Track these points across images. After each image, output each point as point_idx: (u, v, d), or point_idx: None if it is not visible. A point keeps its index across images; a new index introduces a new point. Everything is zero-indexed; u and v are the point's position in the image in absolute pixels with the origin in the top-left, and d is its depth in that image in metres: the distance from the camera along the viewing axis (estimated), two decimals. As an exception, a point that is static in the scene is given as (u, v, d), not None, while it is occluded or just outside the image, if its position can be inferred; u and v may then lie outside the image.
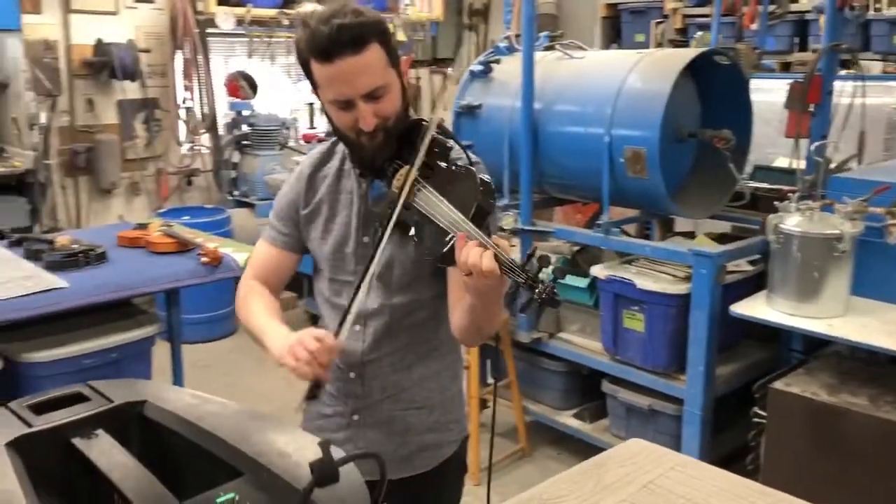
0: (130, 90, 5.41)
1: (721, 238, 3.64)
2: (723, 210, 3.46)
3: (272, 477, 0.72)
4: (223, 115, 5.91)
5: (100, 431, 0.77)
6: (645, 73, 3.16)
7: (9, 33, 4.46)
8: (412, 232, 1.45)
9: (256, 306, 1.66)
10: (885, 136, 4.20)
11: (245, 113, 5.84)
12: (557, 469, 3.49)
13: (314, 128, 6.55)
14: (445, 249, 1.35)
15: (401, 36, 6.35)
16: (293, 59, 5.80)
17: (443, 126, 1.53)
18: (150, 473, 0.71)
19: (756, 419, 2.74)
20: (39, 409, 0.80)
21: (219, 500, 0.69)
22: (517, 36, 3.70)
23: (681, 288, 3.04)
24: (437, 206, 1.40)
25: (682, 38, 5.62)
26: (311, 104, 6.55)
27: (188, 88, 5.59)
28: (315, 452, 0.77)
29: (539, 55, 3.55)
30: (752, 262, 3.28)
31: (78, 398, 0.82)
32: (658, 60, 3.22)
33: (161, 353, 3.27)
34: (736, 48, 3.76)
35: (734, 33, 4.27)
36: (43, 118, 4.61)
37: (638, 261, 3.33)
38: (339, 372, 1.66)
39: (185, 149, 5.78)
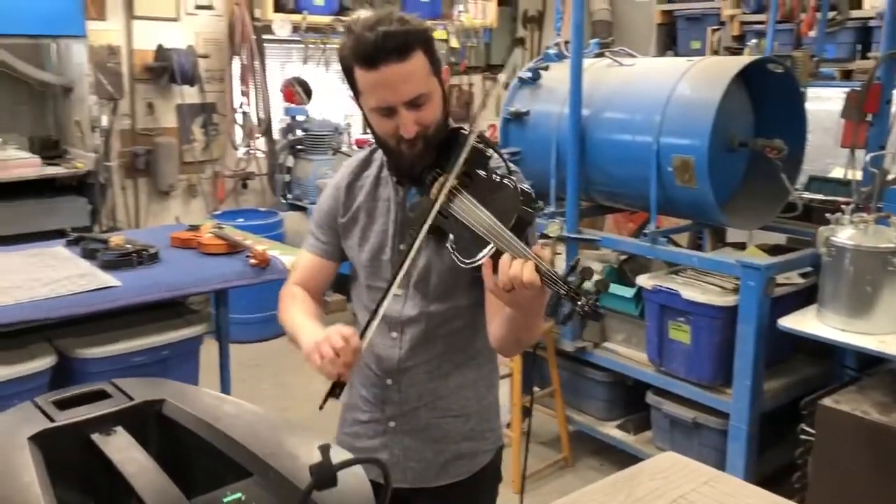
0: (189, 94, 5.55)
1: (774, 250, 3.56)
2: (775, 221, 3.38)
3: (279, 478, 0.74)
4: (278, 120, 6.02)
5: (118, 428, 0.80)
6: (695, 80, 3.11)
7: (74, 39, 4.61)
8: (449, 239, 1.45)
9: (295, 308, 1.69)
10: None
11: (299, 118, 5.94)
12: (599, 480, 3.48)
13: (367, 133, 6.61)
14: (484, 257, 1.35)
15: (454, 42, 6.38)
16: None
17: (483, 136, 1.53)
18: (162, 471, 0.73)
19: (803, 436, 2.67)
20: (63, 404, 0.83)
21: (226, 499, 0.71)
22: (566, 43, 3.68)
23: (728, 300, 2.99)
24: (475, 214, 1.40)
25: (738, 46, 5.51)
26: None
27: (245, 93, 5.71)
28: (301, 458, 0.79)
29: (588, 62, 3.53)
30: (803, 275, 3.19)
31: (101, 395, 0.85)
32: (708, 68, 3.17)
33: (211, 351, 3.34)
34: (792, 56, 3.68)
35: (792, 40, 4.18)
36: (104, 121, 4.76)
37: (685, 271, 3.28)
38: (375, 379, 1.67)
39: (241, 152, 5.90)
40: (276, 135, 5.98)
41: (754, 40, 3.77)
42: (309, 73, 6.04)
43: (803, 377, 3.17)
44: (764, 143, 3.08)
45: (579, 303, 1.26)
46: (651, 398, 3.37)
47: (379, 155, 1.68)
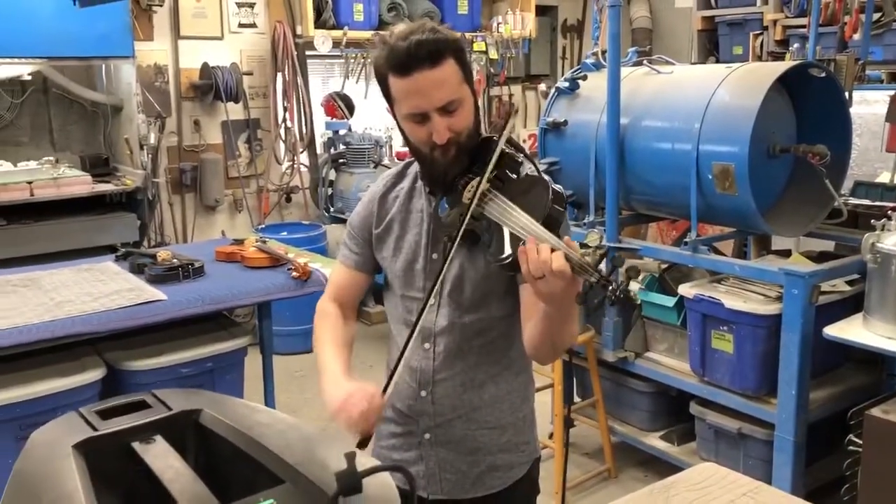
0: (234, 111, 5.67)
1: (820, 257, 3.50)
2: (820, 228, 3.33)
3: (309, 485, 0.76)
4: (320, 135, 6.11)
5: (157, 437, 0.83)
6: (734, 87, 3.08)
7: (123, 60, 4.75)
8: (483, 241, 1.47)
9: (325, 337, 1.71)
10: None
11: (341, 132, 6.01)
12: (643, 491, 3.44)
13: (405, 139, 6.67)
14: (516, 254, 1.37)
15: (493, 54, 6.41)
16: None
17: (513, 140, 1.56)
18: (198, 477, 0.76)
19: (851, 448, 2.62)
20: (105, 414, 0.86)
21: (259, 504, 0.73)
22: (604, 52, 3.68)
23: (771, 308, 2.94)
24: (508, 214, 1.43)
25: (782, 51, 5.44)
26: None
27: (287, 109, 5.81)
28: (331, 468, 0.81)
29: (626, 70, 3.52)
30: (850, 283, 3.13)
31: (141, 405, 0.89)
32: (748, 74, 3.13)
33: (255, 362, 3.40)
34: (836, 59, 3.62)
35: (835, 44, 4.12)
36: (152, 139, 4.88)
37: (727, 280, 3.24)
38: (409, 391, 1.69)
39: (284, 167, 6.00)
40: (318, 149, 6.07)
41: (796, 45, 3.72)
42: (350, 87, 6.12)
43: (851, 387, 3.10)
44: (806, 148, 3.04)
45: (610, 288, 1.27)
46: (695, 408, 3.33)
47: (413, 168, 1.71)
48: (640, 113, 3.37)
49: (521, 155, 1.55)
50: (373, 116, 6.46)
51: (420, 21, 1.53)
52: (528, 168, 1.56)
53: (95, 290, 2.90)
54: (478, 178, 1.50)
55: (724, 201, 3.08)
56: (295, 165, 5.99)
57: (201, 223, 5.73)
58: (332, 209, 6.09)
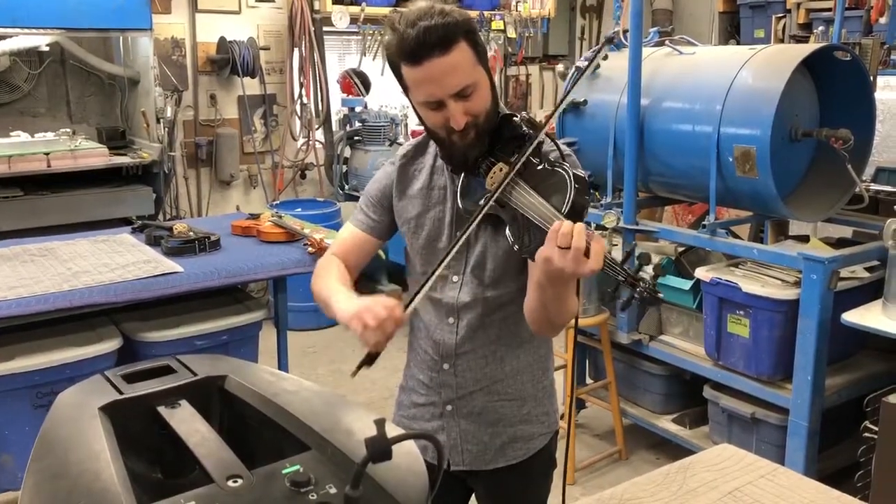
0: (250, 86, 5.65)
1: (839, 243, 3.46)
2: (840, 213, 3.29)
3: (336, 452, 0.75)
4: (336, 112, 6.09)
5: (183, 402, 0.83)
6: (757, 69, 3.04)
7: (141, 32, 4.73)
8: (507, 229, 1.46)
9: (329, 275, 1.69)
10: None
11: (357, 109, 5.99)
12: (654, 473, 3.45)
13: (421, 125, 6.64)
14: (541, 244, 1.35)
15: (511, 33, 6.36)
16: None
17: (533, 121, 1.53)
18: (224, 443, 0.76)
19: (867, 434, 2.61)
20: (130, 378, 0.86)
21: (285, 471, 0.73)
22: (625, 32, 3.64)
23: (789, 293, 2.92)
24: (531, 203, 1.41)
25: (805, 34, 5.37)
26: (421, 101, 6.66)
27: (304, 85, 5.79)
28: (356, 434, 0.80)
29: (647, 51, 3.48)
30: (869, 269, 3.10)
31: (166, 370, 0.88)
32: (771, 56, 3.09)
33: (268, 337, 3.41)
34: (861, 43, 3.57)
35: (861, 27, 4.06)
36: (169, 112, 4.88)
37: (745, 264, 3.21)
38: (432, 363, 1.70)
39: (299, 143, 5.99)
40: (333, 126, 6.05)
41: (821, 28, 3.67)
42: (367, 64, 6.09)
43: (869, 374, 3.08)
44: (829, 132, 3.00)
45: (638, 288, 1.26)
46: (708, 392, 3.33)
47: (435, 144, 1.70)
48: (661, 94, 3.34)
49: (544, 136, 1.53)
50: (389, 94, 6.44)
51: (429, 3, 1.48)
52: (549, 147, 1.54)
53: (112, 262, 2.91)
54: (499, 165, 1.49)
55: (745, 184, 3.05)
56: (310, 142, 5.98)
57: (216, 198, 5.74)
58: (346, 187, 6.08)
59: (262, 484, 0.72)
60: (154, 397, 0.83)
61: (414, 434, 0.70)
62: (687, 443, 3.42)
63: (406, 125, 6.41)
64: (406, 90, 1.54)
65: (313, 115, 5.87)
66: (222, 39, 5.44)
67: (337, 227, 5.17)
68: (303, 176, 6.11)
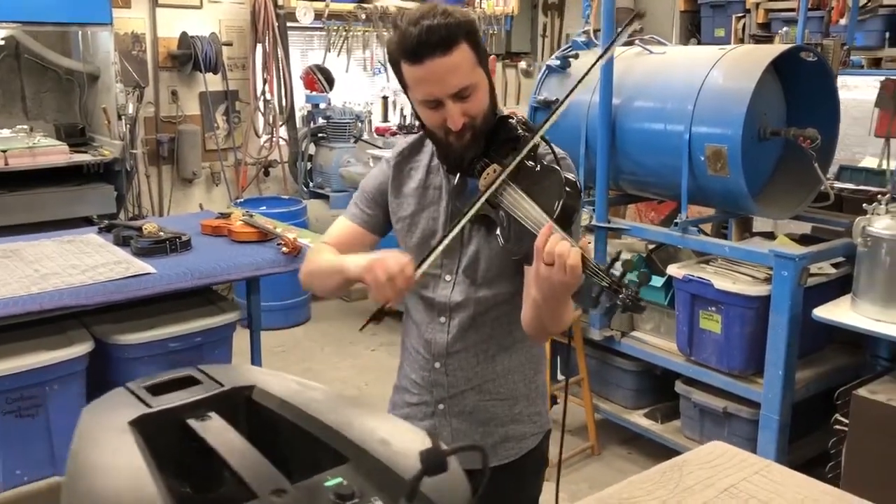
0: (212, 82, 5.56)
1: (802, 239, 3.55)
2: (806, 211, 3.37)
3: (376, 464, 0.74)
4: (299, 108, 6.03)
5: (212, 414, 0.81)
6: (728, 69, 3.09)
7: (101, 27, 4.62)
8: (498, 230, 1.47)
9: (327, 252, 1.69)
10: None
11: (321, 106, 5.94)
12: (628, 468, 3.50)
13: (387, 121, 6.63)
14: (530, 248, 1.36)
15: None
16: (369, 52, 5.84)
17: (528, 123, 1.54)
18: (262, 456, 0.74)
19: (838, 426, 2.67)
20: (155, 390, 0.84)
21: (327, 483, 0.72)
22: (596, 31, 3.67)
23: (760, 289, 2.98)
24: (522, 206, 1.42)
25: (764, 34, 5.48)
26: (385, 98, 6.64)
27: (267, 81, 5.72)
28: (413, 441, 0.79)
29: (618, 50, 3.51)
30: (835, 265, 3.18)
31: (189, 381, 0.86)
32: (742, 57, 3.15)
33: (238, 338, 3.36)
34: (822, 44, 3.66)
35: (821, 28, 4.15)
36: (130, 109, 4.77)
37: (715, 261, 3.27)
38: (424, 362, 1.70)
39: (262, 140, 5.92)
40: (297, 122, 5.99)
41: (785, 28, 3.74)
42: (330, 60, 6.05)
43: (835, 367, 3.16)
44: (797, 132, 3.07)
45: (621, 295, 1.26)
46: (680, 387, 3.38)
47: (431, 143, 1.69)
48: (633, 93, 3.37)
49: (541, 140, 1.54)
50: (352, 90, 6.40)
51: (432, 3, 1.48)
52: (544, 150, 1.55)
53: (81, 263, 2.84)
54: (493, 166, 1.49)
55: (716, 183, 3.10)
56: (274, 139, 5.91)
57: (178, 196, 5.64)
58: (311, 184, 6.04)
59: (306, 498, 0.70)
60: (183, 410, 0.81)
61: (467, 446, 0.69)
62: (659, 437, 3.47)
63: (370, 122, 6.39)
64: (405, 88, 1.54)
65: (277, 111, 5.80)
66: (184, 35, 5.34)
67: (304, 225, 5.13)
68: (266, 173, 6.04)
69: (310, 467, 0.76)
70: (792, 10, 5.23)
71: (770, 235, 3.84)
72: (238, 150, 5.83)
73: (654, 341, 3.46)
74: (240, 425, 0.82)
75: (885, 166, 3.08)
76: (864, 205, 2.70)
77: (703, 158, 3.08)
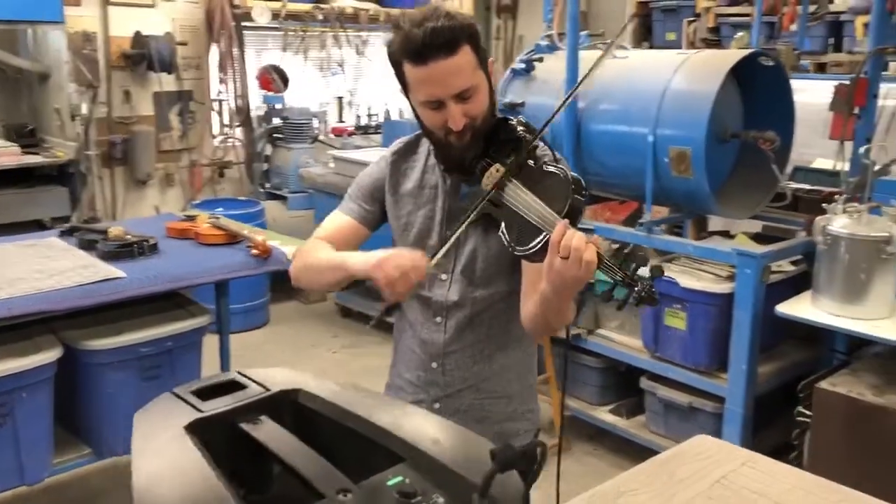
0: (165, 82, 5.46)
1: (756, 238, 3.67)
2: (764, 210, 3.48)
3: (432, 462, 0.76)
4: (255, 108, 5.97)
5: (264, 417, 0.82)
6: (691, 73, 3.18)
7: (52, 25, 4.51)
8: (501, 227, 1.49)
9: (325, 248, 1.69)
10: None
11: (278, 106, 5.90)
12: (595, 464, 3.57)
13: (343, 122, 6.61)
14: (538, 246, 1.39)
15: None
16: (326, 53, 5.78)
17: (528, 125, 1.57)
18: (321, 457, 0.76)
19: (800, 418, 2.78)
20: (202, 395, 0.85)
21: (389, 483, 0.74)
22: (560, 34, 3.73)
23: (724, 287, 3.08)
24: (528, 203, 1.44)
25: (714, 38, 5.64)
26: (339, 98, 6.62)
27: (223, 81, 5.64)
28: (460, 440, 0.82)
29: (581, 54, 3.58)
30: (793, 263, 3.30)
31: (234, 385, 0.87)
32: (703, 61, 3.24)
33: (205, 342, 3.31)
34: (776, 49, 3.79)
35: (769, 34, 4.29)
36: (84, 109, 4.66)
37: (679, 259, 3.36)
38: (420, 362, 1.71)
39: (217, 141, 5.84)
40: (253, 123, 5.93)
41: (740, 33, 3.86)
42: (286, 60, 6.00)
43: (794, 361, 3.28)
44: (756, 134, 3.17)
45: (636, 288, 1.30)
46: (645, 383, 3.46)
47: (426, 141, 1.71)
48: (597, 96, 3.44)
49: (541, 142, 1.57)
50: (308, 91, 6.36)
51: (433, 5, 1.50)
52: (543, 150, 1.59)
53: (47, 267, 2.78)
54: (496, 166, 1.52)
55: (679, 184, 3.18)
56: (230, 140, 5.84)
57: (131, 198, 5.53)
58: (267, 185, 5.98)
59: (371, 497, 0.72)
60: (234, 413, 0.82)
61: (537, 443, 0.71)
62: (624, 433, 3.54)
63: (326, 123, 6.37)
64: (406, 89, 1.55)
65: (234, 111, 5.73)
66: (138, 34, 5.24)
67: (263, 226, 5.07)
68: (221, 174, 5.96)
69: (363, 467, 0.78)
70: (740, 15, 5.41)
71: (726, 234, 3.95)
72: (193, 152, 5.74)
73: (620, 339, 3.54)
74: (288, 428, 0.83)
75: (839, 167, 3.20)
76: (823, 204, 2.80)
77: (666, 160, 3.16)
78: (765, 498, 1.48)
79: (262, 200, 5.72)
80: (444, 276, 1.67)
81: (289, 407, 0.85)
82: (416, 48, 1.46)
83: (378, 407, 0.85)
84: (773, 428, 3.24)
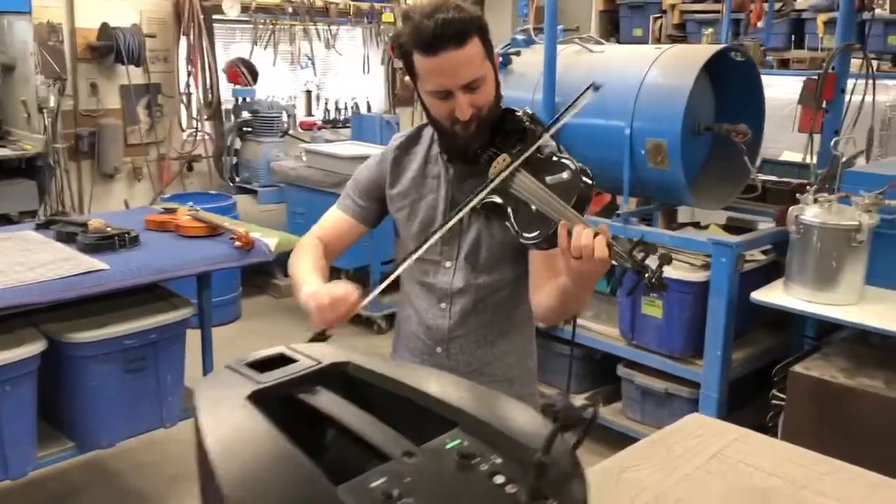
0: (134, 75, 5.40)
1: (725, 229, 3.77)
2: (735, 201, 3.58)
3: (483, 427, 0.80)
4: (224, 102, 5.93)
5: (319, 387, 0.85)
6: (666, 67, 3.26)
7: (18, 15, 4.43)
8: (508, 216, 1.52)
9: (304, 261, 1.72)
10: (880, 133, 4.37)
11: (248, 100, 5.86)
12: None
13: (311, 115, 6.60)
14: (546, 234, 1.43)
15: (400, 25, 6.40)
16: (296, 46, 5.77)
17: (534, 116, 1.62)
18: (382, 423, 0.79)
19: (775, 401, 2.87)
20: (256, 367, 0.87)
21: (448, 445, 0.77)
22: (535, 29, 3.78)
23: (700, 276, 3.16)
24: (536, 192, 1.48)
25: (679, 34, 5.75)
26: (308, 92, 6.60)
27: (192, 74, 5.59)
28: (506, 405, 0.86)
29: (557, 48, 3.64)
30: (763, 252, 3.40)
31: (284, 359, 0.90)
32: (677, 56, 3.32)
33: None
34: (743, 44, 3.89)
35: (735, 30, 4.40)
36: (52, 101, 4.59)
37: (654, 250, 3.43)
38: (425, 347, 1.75)
39: (185, 135, 5.79)
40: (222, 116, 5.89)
41: (710, 29, 3.95)
42: (255, 54, 5.97)
43: (765, 347, 3.38)
44: (729, 127, 3.26)
45: (646, 275, 1.36)
46: (622, 371, 3.53)
47: (427, 132, 1.74)
48: (574, 90, 3.47)
49: (546, 134, 1.61)
50: (275, 84, 6.33)
51: None
52: (546, 141, 1.63)
53: (28, 260, 2.74)
54: (503, 156, 1.56)
55: (655, 175, 3.26)
56: (198, 133, 5.79)
57: (98, 192, 5.45)
58: (237, 179, 5.94)
59: (434, 459, 0.75)
60: (292, 384, 0.84)
61: (593, 402, 0.75)
62: (601, 419, 3.62)
63: (294, 117, 6.34)
64: (415, 79, 1.58)
65: (203, 105, 5.69)
66: (105, 26, 5.17)
67: (237, 220, 5.05)
68: (190, 168, 5.91)
69: (416, 434, 0.81)
70: (706, 11, 5.53)
71: (696, 225, 4.05)
72: (161, 145, 5.68)
73: (597, 328, 3.61)
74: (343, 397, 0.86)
75: (808, 160, 3.31)
76: (797, 195, 2.89)
77: (643, 152, 3.24)
78: (760, 471, 1.54)
79: (233, 194, 5.68)
80: (448, 264, 1.71)
81: (339, 379, 0.88)
82: (427, 39, 1.49)
83: (425, 377, 0.88)
84: (745, 411, 3.34)
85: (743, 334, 3.35)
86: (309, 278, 1.64)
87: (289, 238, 3.19)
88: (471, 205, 1.56)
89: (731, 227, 3.80)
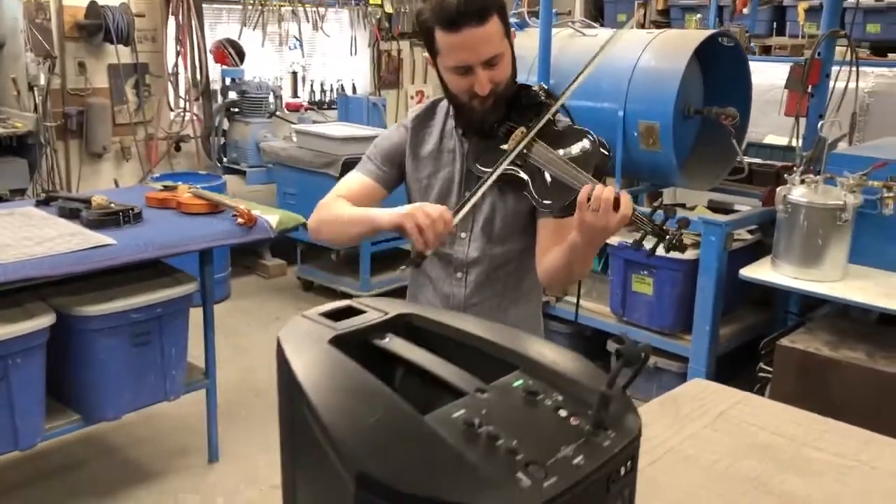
0: (122, 54, 5.38)
1: (710, 210, 3.88)
2: (722, 183, 3.70)
3: (543, 368, 0.88)
4: (213, 82, 5.92)
5: (390, 334, 0.92)
6: (659, 52, 3.35)
7: (8, -8, 4.42)
8: (531, 187, 1.60)
9: (345, 205, 1.77)
10: (858, 119, 4.50)
11: (237, 80, 5.86)
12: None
13: (297, 97, 6.61)
14: (569, 201, 1.51)
15: (388, 8, 6.44)
16: (283, 28, 5.77)
17: (549, 91, 1.69)
18: (451, 364, 0.87)
19: (762, 374, 2.99)
20: (331, 317, 0.94)
21: (514, 384, 0.85)
22: (530, 12, 3.85)
23: (689, 254, 3.26)
24: (554, 161, 1.56)
25: (664, 20, 5.85)
26: (294, 73, 6.61)
27: (181, 54, 5.59)
28: (558, 353, 0.94)
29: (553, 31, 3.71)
30: (749, 232, 3.52)
31: (351, 311, 0.97)
32: (669, 41, 3.42)
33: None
34: (730, 30, 3.99)
35: (719, 16, 4.50)
36: (42, 80, 4.58)
37: (644, 229, 3.53)
38: None
39: (174, 115, 5.78)
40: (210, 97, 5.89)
41: (698, 15, 4.04)
42: (243, 34, 5.97)
43: (751, 323, 3.51)
44: (719, 110, 3.37)
45: (667, 236, 1.44)
46: (612, 346, 3.64)
47: (441, 109, 1.81)
48: (568, 73, 3.56)
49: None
50: (262, 65, 6.33)
51: None
52: (560, 116, 1.71)
53: (34, 235, 2.77)
54: (521, 129, 1.63)
55: (647, 157, 3.36)
56: (186, 113, 5.79)
57: (86, 171, 5.44)
58: (225, 159, 5.95)
59: (504, 395, 0.83)
60: (366, 331, 0.92)
61: (643, 347, 0.83)
62: (591, 394, 3.72)
63: (281, 98, 6.35)
64: (435, 55, 1.65)
65: (191, 85, 5.68)
66: (93, 4, 5.14)
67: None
68: (177, 148, 5.90)
69: (481, 376, 0.89)
70: (690, -1, 5.63)
71: (682, 206, 4.16)
72: (149, 125, 5.67)
73: (588, 305, 3.71)
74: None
75: (794, 143, 3.42)
76: (784, 175, 3.00)
77: (636, 134, 3.33)
78: (764, 430, 1.64)
79: (222, 174, 5.70)
80: (463, 235, 1.78)
81: (405, 328, 0.96)
82: (450, 16, 1.56)
83: (484, 326, 0.96)
84: (731, 384, 3.46)
85: (730, 311, 3.48)
86: (373, 211, 1.68)
87: (289, 215, 3.24)
88: (499, 170, 1.62)
89: (714, 209, 3.92)
